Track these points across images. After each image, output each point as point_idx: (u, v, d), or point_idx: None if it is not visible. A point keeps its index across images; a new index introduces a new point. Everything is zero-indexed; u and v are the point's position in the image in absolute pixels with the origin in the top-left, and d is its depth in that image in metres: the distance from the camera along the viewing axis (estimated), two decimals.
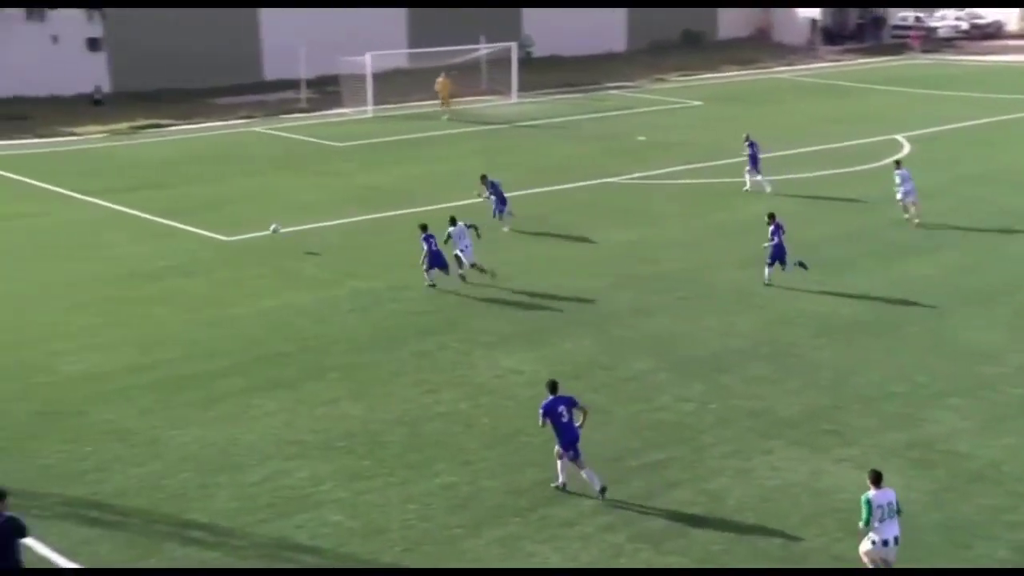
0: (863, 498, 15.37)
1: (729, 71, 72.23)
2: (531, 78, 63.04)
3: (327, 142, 49.12)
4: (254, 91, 61.37)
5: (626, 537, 17.23)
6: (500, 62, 61.34)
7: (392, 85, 57.09)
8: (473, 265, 29.14)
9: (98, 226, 35.14)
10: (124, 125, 52.40)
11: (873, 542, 15.46)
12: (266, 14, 64.69)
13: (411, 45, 65.94)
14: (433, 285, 28.55)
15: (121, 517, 17.76)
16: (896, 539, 15.42)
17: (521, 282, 29.19)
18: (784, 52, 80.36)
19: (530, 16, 74.18)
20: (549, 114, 55.75)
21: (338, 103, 57.61)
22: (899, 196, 34.75)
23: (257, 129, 52.65)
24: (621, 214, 36.27)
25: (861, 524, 15.41)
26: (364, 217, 35.67)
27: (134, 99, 57.52)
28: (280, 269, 30.43)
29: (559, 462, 18.57)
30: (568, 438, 18.32)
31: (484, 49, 61.79)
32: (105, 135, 50.88)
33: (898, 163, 35.98)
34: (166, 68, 59.98)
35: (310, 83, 59.73)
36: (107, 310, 27.35)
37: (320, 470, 19.20)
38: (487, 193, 34.62)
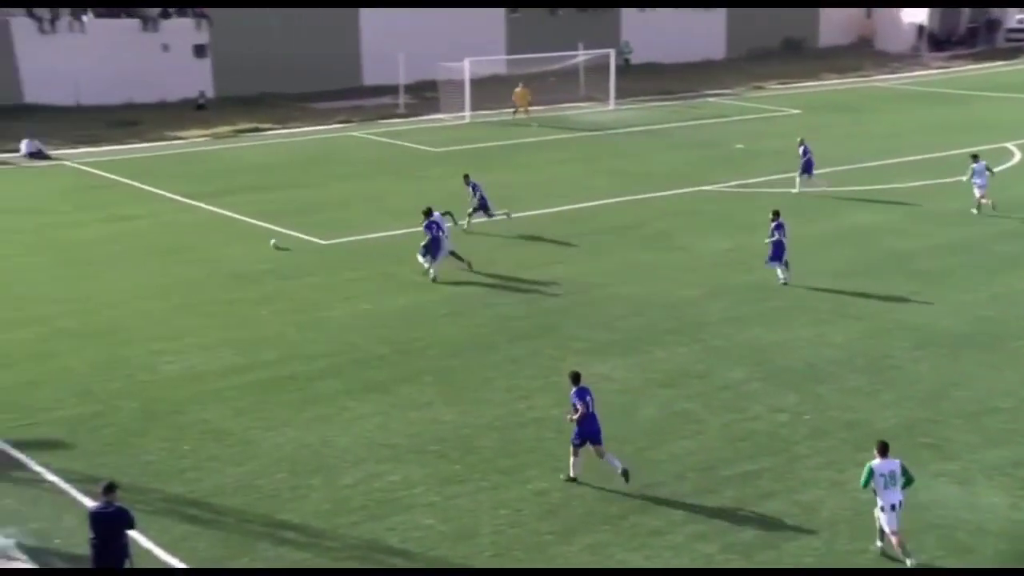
0: (867, 465, 16.72)
1: (829, 79, 71.44)
2: (628, 85, 62.90)
3: (424, 147, 49.45)
4: (353, 96, 62.12)
5: (717, 547, 17.10)
6: (598, 69, 61.30)
7: (490, 91, 57.26)
8: (452, 253, 30.19)
9: (200, 228, 35.76)
10: (226, 129, 53.37)
11: (882, 508, 16.64)
12: (366, 20, 65.43)
13: (510, 52, 66.22)
14: (428, 272, 29.68)
15: (217, 515, 18.05)
16: (896, 505, 16.53)
17: (615, 289, 29.14)
18: (887, 60, 79.32)
19: (629, 23, 74.26)
20: (646, 121, 55.58)
21: (435, 109, 58.00)
22: (976, 192, 35.54)
23: (355, 134, 53.19)
24: (717, 222, 36.01)
25: (862, 486, 16.84)
26: (460, 222, 35.79)
27: (236, 103, 58.63)
28: (376, 273, 30.70)
29: (574, 458, 18.88)
30: (594, 428, 18.78)
31: (582, 56, 61.77)
32: (208, 139, 51.82)
33: (975, 156, 36.36)
34: (267, 73, 61.08)
35: (408, 88, 60.26)
36: (207, 311, 27.81)
37: (412, 474, 19.33)
38: (472, 194, 34.74)
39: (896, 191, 39.86)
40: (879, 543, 16.97)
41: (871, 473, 16.68)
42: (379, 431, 21.00)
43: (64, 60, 56.58)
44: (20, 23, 57.04)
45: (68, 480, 19.01)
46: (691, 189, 40.56)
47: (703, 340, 25.57)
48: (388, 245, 33.43)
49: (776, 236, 28.96)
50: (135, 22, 59.56)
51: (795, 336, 25.79)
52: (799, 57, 78.34)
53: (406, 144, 50.47)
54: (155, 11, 60.10)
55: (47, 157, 47.28)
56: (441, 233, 30.16)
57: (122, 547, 15.10)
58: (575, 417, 18.85)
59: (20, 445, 20.31)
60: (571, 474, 19.04)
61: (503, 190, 39.80)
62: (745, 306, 27.88)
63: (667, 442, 20.48)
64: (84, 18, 58.38)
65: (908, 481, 16.78)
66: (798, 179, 39.57)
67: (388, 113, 58.27)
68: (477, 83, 57.02)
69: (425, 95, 60.34)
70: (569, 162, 45.83)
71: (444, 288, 29.33)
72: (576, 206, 37.51)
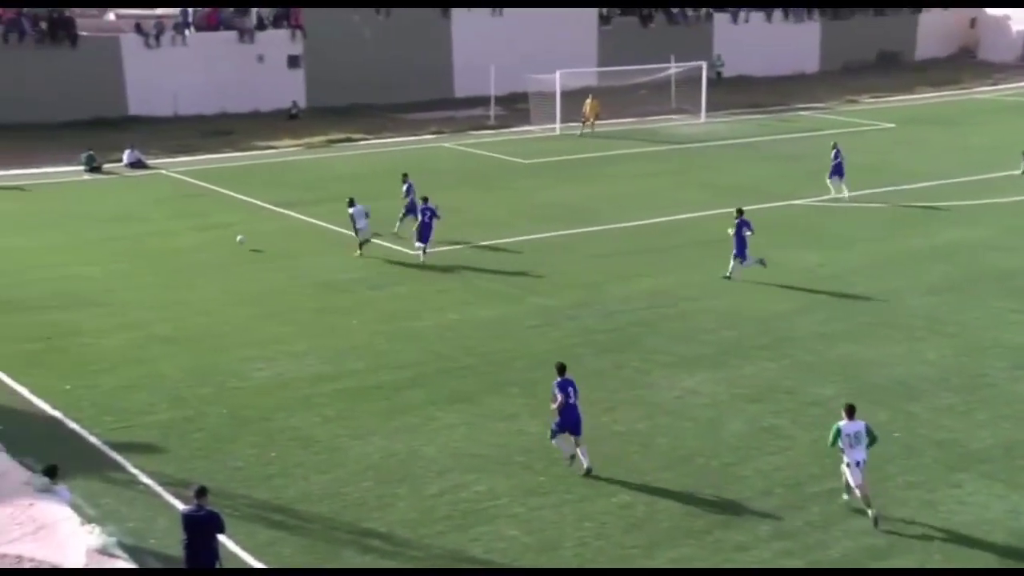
0: (834, 426, 18.36)
1: (925, 92, 70.30)
2: (719, 98, 62.55)
3: (513, 159, 49.60)
4: (444, 107, 62.53)
5: (804, 564, 16.93)
6: (689, 82, 61.06)
7: (581, 103, 57.21)
8: (367, 241, 33.41)
9: (290, 237, 36.19)
10: (318, 139, 54.01)
11: (847, 464, 18.18)
12: (458, 32, 65.89)
13: (601, 64, 66.20)
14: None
15: (303, 522, 18.25)
16: (860, 463, 18.17)
17: (704, 303, 29.00)
18: (990, 71, 77.65)
19: (721, 36, 73.90)
20: (736, 134, 55.20)
21: (526, 120, 58.16)
22: None
23: (446, 145, 53.52)
24: (807, 236, 35.67)
25: (830, 445, 18.47)
26: (548, 234, 35.87)
27: (328, 114, 59.35)
28: (464, 283, 30.87)
29: (555, 441, 19.89)
30: (574, 418, 19.69)
31: (674, 68, 61.58)
32: (299, 149, 52.47)
33: None
34: (359, 84, 61.80)
35: (499, 100, 60.52)
36: (296, 319, 28.15)
37: (497, 484, 19.38)
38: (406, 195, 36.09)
39: (996, 206, 39.17)
40: (845, 496, 18.54)
41: (838, 433, 18.28)
42: (465, 441, 21.09)
43: (165, 73, 57.91)
44: (129, 39, 58.54)
45: (161, 483, 19.38)
46: (782, 203, 40.19)
47: (792, 355, 25.33)
48: (476, 256, 33.58)
49: (739, 233, 30.48)
50: (232, 34, 60.67)
51: (887, 352, 25.45)
52: (895, 70, 77.26)
53: (496, 155, 50.65)
54: (252, 23, 61.13)
55: (146, 166, 48.24)
56: (357, 221, 33.19)
57: (212, 550, 15.45)
58: (555, 406, 19.45)
59: (117, 447, 20.75)
60: (566, 456, 19.65)
61: (592, 202, 39.87)
62: (836, 322, 27.57)
63: (754, 458, 20.32)
64: (187, 32, 59.65)
65: (872, 441, 18.33)
66: (830, 183, 40.48)
67: (479, 124, 58.55)
68: (568, 95, 57.03)
69: (516, 107, 60.56)
70: (659, 175, 45.70)
71: (531, 300, 29.40)
72: (665, 219, 37.33)
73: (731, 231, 30.68)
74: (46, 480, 18.11)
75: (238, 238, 33.97)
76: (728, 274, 30.70)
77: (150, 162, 48.80)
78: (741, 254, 30.56)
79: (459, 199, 41.26)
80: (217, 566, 15.48)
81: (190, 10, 60.36)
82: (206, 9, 60.68)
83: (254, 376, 24.36)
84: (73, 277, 31.77)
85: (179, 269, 32.56)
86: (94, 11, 62.07)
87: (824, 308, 28.60)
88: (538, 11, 66.55)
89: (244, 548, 17.22)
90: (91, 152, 47.71)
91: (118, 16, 62.39)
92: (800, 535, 17.72)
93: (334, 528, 18.09)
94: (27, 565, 14.22)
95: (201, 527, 15.34)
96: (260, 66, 60.89)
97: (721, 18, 74.73)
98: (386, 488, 19.28)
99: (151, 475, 19.63)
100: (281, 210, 39.72)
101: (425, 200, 33.49)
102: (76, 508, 18.02)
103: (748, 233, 30.65)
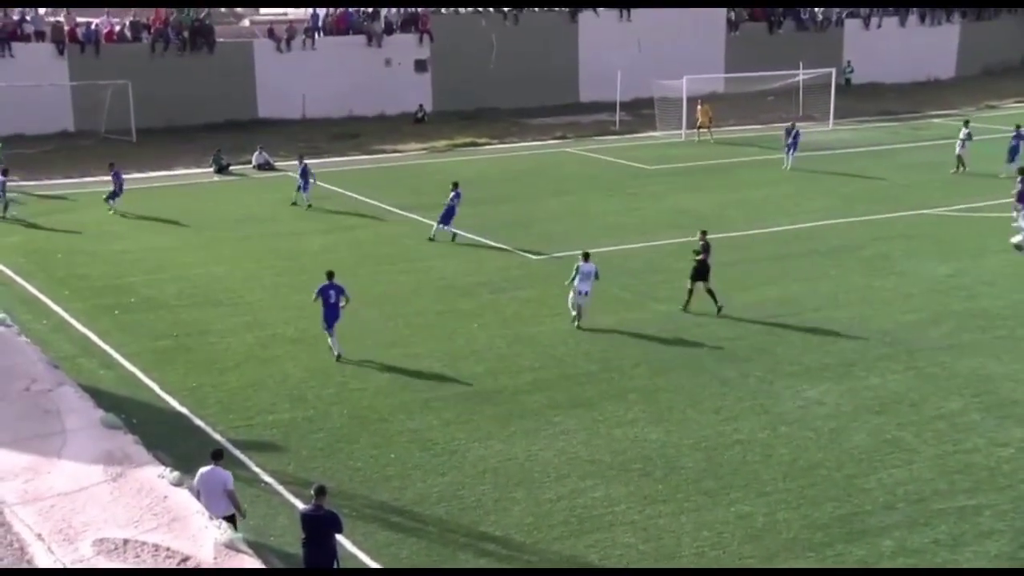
0: (576, 265, 26.77)
1: None
2: (848, 105, 61.60)
3: (637, 164, 49.37)
4: (569, 112, 62.54)
5: None
6: (817, 88, 60.16)
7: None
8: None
9: (414, 240, 36.44)
10: (442, 143, 54.45)
11: (577, 292, 26.54)
12: (584, 36, 65.87)
13: (729, 70, 65.63)
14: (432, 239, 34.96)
15: (420, 524, 18.33)
16: (585, 292, 26.94)
17: (829, 312, 28.48)
18: None
19: (852, 42, 72.70)
20: (865, 142, 54.22)
21: (651, 126, 57.87)
22: None
23: (570, 150, 53.50)
24: (939, 246, 34.82)
25: (567, 283, 26.54)
26: (671, 241, 35.59)
27: (453, 118, 59.84)
28: None
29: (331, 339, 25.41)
30: (332, 316, 25.51)
31: (802, 75, 60.70)
32: (425, 152, 52.93)
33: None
34: (485, 89, 62.12)
35: (624, 105, 60.32)
36: (418, 322, 28.33)
37: (615, 491, 19.25)
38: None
39: None
40: (577, 323, 26.29)
41: (578, 270, 26.98)
42: (583, 447, 20.99)
43: (294, 76, 59.01)
44: (261, 44, 59.82)
45: (282, 481, 19.63)
46: (911, 212, 39.36)
47: (918, 367, 24.73)
48: (598, 261, 33.32)
49: (451, 203, 35.07)
50: (361, 38, 61.49)
51: (1021, 368, 24.67)
52: None
53: (620, 161, 50.48)
54: (380, 27, 61.87)
55: (273, 168, 49.11)
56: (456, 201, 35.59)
57: (331, 549, 15.58)
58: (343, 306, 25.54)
59: (240, 445, 21.08)
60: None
61: (716, 209, 39.45)
62: (966, 334, 26.85)
63: (877, 470, 19.88)
64: (316, 36, 60.67)
65: (597, 277, 26.97)
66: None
67: (603, 130, 58.46)
68: (694, 101, 56.61)
69: (641, 112, 60.31)
70: (785, 182, 45.08)
71: (653, 306, 29.19)
72: (791, 227, 36.77)
73: None
74: (177, 475, 18.50)
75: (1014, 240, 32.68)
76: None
77: (278, 164, 49.67)
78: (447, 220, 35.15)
79: (582, 204, 41.29)
80: (335, 566, 15.62)
81: (320, 15, 61.37)
82: (336, 13, 61.61)
83: (375, 377, 24.56)
84: (202, 277, 32.44)
85: (305, 270, 32.96)
86: (231, 18, 63.65)
87: (953, 319, 27.88)
88: (666, 15, 66.24)
89: (362, 549, 17.35)
90: (219, 153, 48.77)
91: (252, 22, 63.85)
92: (926, 553, 17.25)
93: (451, 531, 18.13)
94: (162, 554, 14.57)
95: (320, 526, 15.49)
96: (387, 70, 61.63)
97: (852, 24, 73.50)
98: (503, 492, 19.28)
99: (272, 473, 19.91)
100: (406, 213, 40.06)
101: (455, 185, 36.18)
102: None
103: None
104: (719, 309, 28.33)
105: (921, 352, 25.66)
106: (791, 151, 48.16)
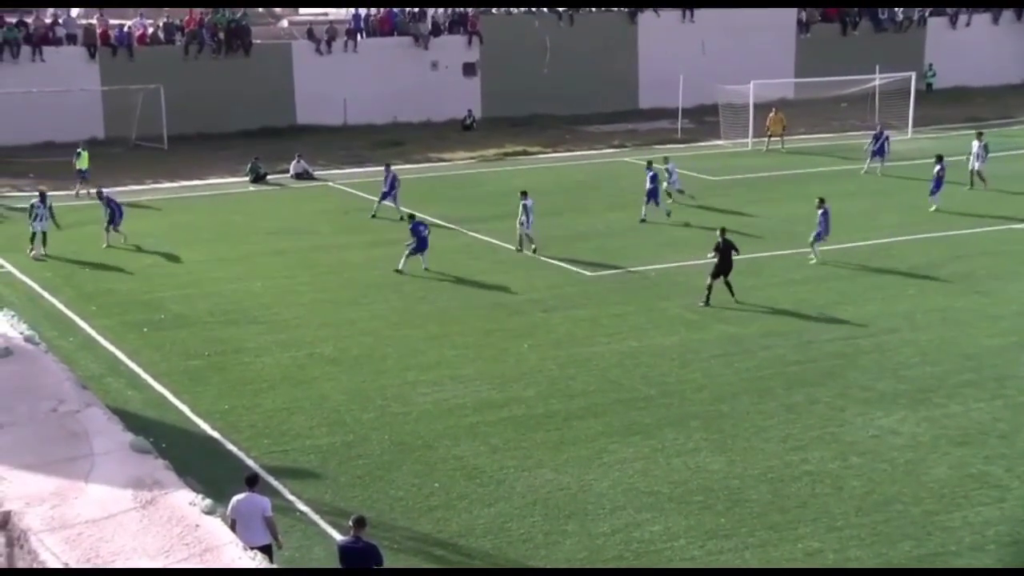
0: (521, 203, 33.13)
1: None
2: (929, 111, 61.19)
3: (701, 175, 49.21)
4: (628, 120, 62.60)
5: None
6: (896, 94, 59.79)
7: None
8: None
9: (462, 255, 36.57)
10: (492, 152, 54.61)
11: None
12: (644, 39, 65.92)
13: (799, 74, 65.41)
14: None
15: (466, 557, 18.40)
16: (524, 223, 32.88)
17: (906, 335, 28.30)
18: None
19: (935, 43, 72.05)
20: (947, 151, 53.56)
21: (715, 134, 57.76)
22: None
23: (628, 159, 53.48)
24: None
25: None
26: (736, 257, 35.41)
27: (503, 125, 59.96)
28: (644, 308, 30.74)
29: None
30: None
31: (878, 79, 60.37)
32: (473, 161, 53.14)
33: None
34: (538, 94, 62.27)
35: (686, 112, 60.29)
36: (465, 342, 28.43)
37: (674, 525, 19.23)
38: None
39: None
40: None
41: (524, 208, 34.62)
42: (640, 477, 20.99)
43: (335, 80, 59.44)
44: (300, 46, 60.39)
45: (318, 511, 19.77)
46: (999, 227, 39.04)
47: (1006, 395, 24.50)
48: (658, 279, 33.46)
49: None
50: (407, 39, 61.89)
51: None
52: None
53: (682, 171, 50.18)
54: (427, 28, 62.24)
55: (312, 177, 49.51)
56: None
57: None
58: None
59: (275, 471, 21.24)
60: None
61: (785, 223, 39.26)
62: None
63: (962, 507, 19.70)
64: (359, 37, 61.13)
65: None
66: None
67: (664, 138, 58.38)
68: (762, 108, 56.48)
69: (705, 120, 60.24)
70: (859, 195, 44.79)
71: (717, 327, 29.14)
72: (866, 243, 36.53)
73: None
74: (210, 502, 18.61)
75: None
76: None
77: (317, 173, 50.07)
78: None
79: (639, 217, 41.19)
80: None
81: (363, 15, 61.80)
82: (379, 13, 62.03)
83: (418, 401, 24.68)
84: (236, 292, 32.76)
85: (346, 286, 33.24)
86: (268, 19, 64.29)
87: None
88: (732, 16, 66.12)
89: None
90: (256, 162, 49.17)
91: (291, 23, 64.41)
92: None
93: (498, 565, 18.19)
94: None
95: (359, 559, 15.59)
96: (434, 74, 61.97)
97: (936, 22, 72.83)
98: (554, 524, 19.30)
99: (308, 502, 20.05)
100: (454, 226, 40.22)
101: (524, 194, 36.43)
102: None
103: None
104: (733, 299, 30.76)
105: (1011, 379, 25.40)
106: (878, 156, 48.82)
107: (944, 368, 26.14)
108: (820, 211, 34.63)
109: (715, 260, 31.01)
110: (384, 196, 41.88)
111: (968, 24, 73.41)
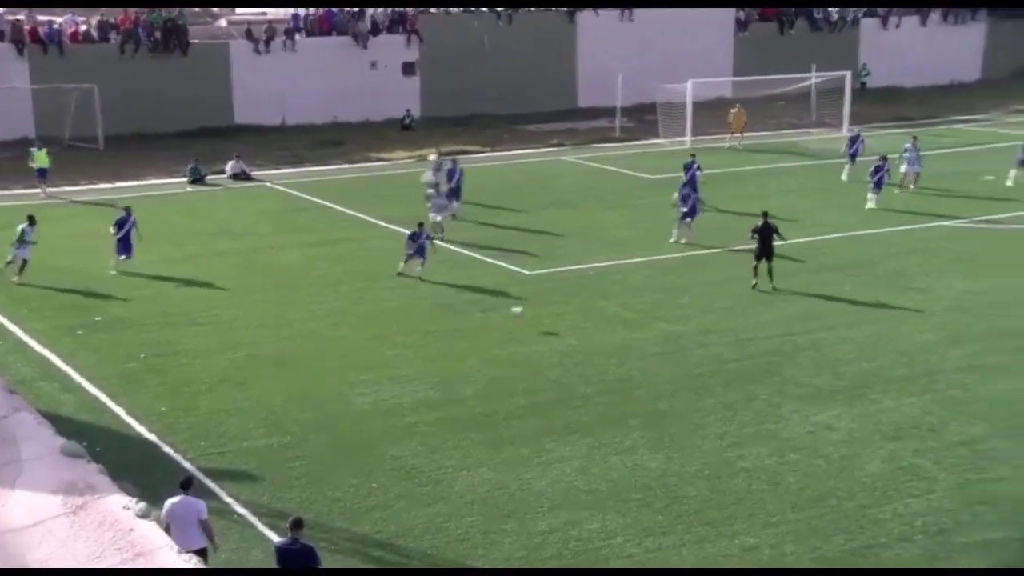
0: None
1: None
2: (863, 110, 61.82)
3: (639, 174, 49.49)
4: (567, 118, 62.72)
5: None
6: (831, 92, 60.38)
7: (713, 115, 56.98)
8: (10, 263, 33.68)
9: (400, 254, 36.41)
10: (431, 151, 54.33)
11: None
12: (584, 38, 66.16)
13: (737, 73, 65.86)
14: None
15: (403, 558, 18.35)
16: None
17: (842, 332, 28.55)
18: None
19: (869, 43, 73.00)
20: (882, 149, 54.15)
21: (654, 133, 58.04)
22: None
23: (567, 158, 53.64)
24: (961, 261, 34.93)
25: None
26: (675, 255, 35.74)
27: (442, 124, 59.96)
28: (583, 307, 30.81)
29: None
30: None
31: (815, 78, 60.92)
32: (413, 161, 52.94)
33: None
34: (477, 93, 62.30)
35: (625, 111, 60.51)
36: (405, 342, 28.36)
37: (612, 523, 19.28)
38: None
39: None
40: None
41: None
42: (579, 475, 21.02)
43: (274, 80, 59.21)
44: (238, 45, 60.01)
45: (256, 513, 19.62)
46: (931, 224, 39.51)
47: (936, 390, 24.79)
48: (597, 277, 33.55)
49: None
50: (345, 39, 61.70)
51: None
52: None
53: (620, 170, 50.61)
54: (366, 28, 62.06)
55: (250, 178, 49.22)
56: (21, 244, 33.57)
57: None
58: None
59: (212, 473, 21.05)
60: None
61: (724, 221, 39.48)
62: (991, 355, 26.90)
63: (892, 500, 19.90)
64: (297, 37, 60.82)
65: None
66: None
67: (603, 137, 58.62)
68: (700, 106, 56.81)
69: (643, 118, 60.52)
70: (797, 192, 45.17)
71: (656, 325, 29.26)
72: (804, 240, 36.79)
73: None
74: (144, 506, 18.43)
75: (515, 310, 30.28)
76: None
77: (256, 173, 49.78)
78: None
79: (579, 216, 41.34)
80: None
81: (302, 14, 61.52)
82: (318, 13, 61.78)
83: (357, 402, 24.59)
84: (175, 294, 32.51)
85: (286, 287, 33.04)
86: (206, 18, 63.81)
87: (976, 340, 27.95)
88: (670, 15, 66.45)
89: None
90: (196, 164, 48.84)
91: (230, 22, 63.97)
92: None
93: (436, 565, 18.15)
94: None
95: (296, 561, 15.50)
96: (373, 73, 61.87)
97: (869, 23, 73.78)
98: (493, 524, 19.30)
99: (245, 504, 19.91)
100: (394, 227, 40.06)
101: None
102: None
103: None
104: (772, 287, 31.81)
105: (940, 374, 25.72)
106: (853, 161, 47.68)
107: (878, 364, 26.40)
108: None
109: (755, 242, 32.18)
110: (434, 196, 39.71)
111: (898, 26, 74.36)
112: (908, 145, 45.77)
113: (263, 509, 19.74)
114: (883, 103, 66.44)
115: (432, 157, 43.26)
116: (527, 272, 34.17)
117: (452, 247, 36.58)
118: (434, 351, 27.69)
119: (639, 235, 38.68)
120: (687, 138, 56.01)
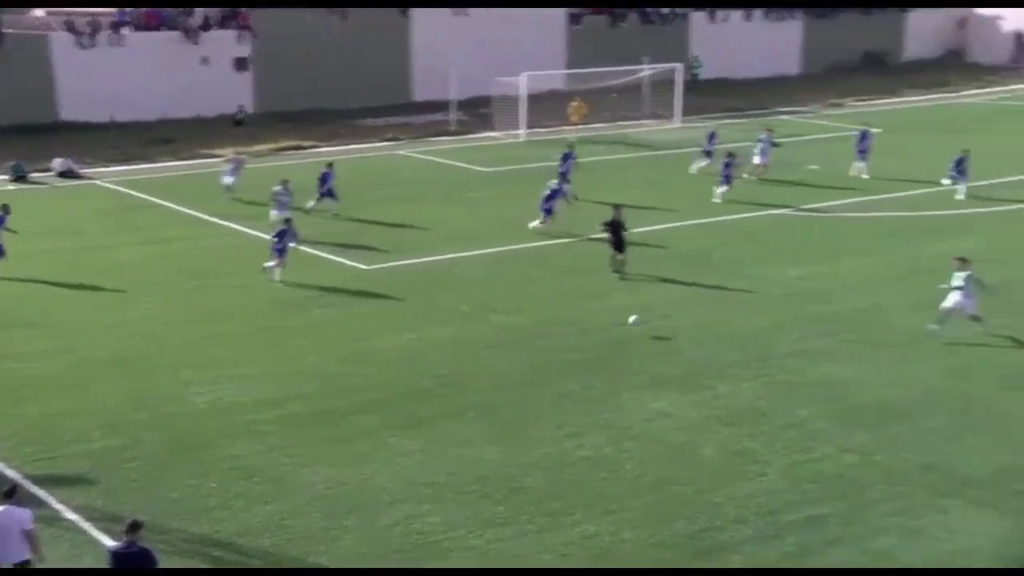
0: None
1: (913, 96, 71.16)
2: (696, 101, 62.91)
3: (475, 167, 49.67)
4: (402, 113, 62.53)
5: None
6: (663, 84, 61.40)
7: (548, 107, 57.46)
8: None
9: (237, 252, 36.02)
10: (265, 147, 53.82)
11: None
12: (418, 33, 66.05)
13: (570, 66, 66.48)
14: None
15: (243, 557, 18.17)
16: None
17: (677, 320, 29.10)
18: (980, 72, 78.99)
19: (698, 36, 74.46)
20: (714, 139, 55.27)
21: (489, 126, 58.29)
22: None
23: (403, 152, 53.54)
24: (789, 249, 35.91)
25: None
26: (513, 247, 35.95)
27: (276, 120, 59.15)
28: (421, 301, 30.84)
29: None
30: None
31: (647, 70, 61.87)
32: (245, 157, 52.14)
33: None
34: (311, 88, 61.74)
35: (461, 105, 60.64)
36: (243, 340, 28.05)
37: (453, 515, 19.36)
38: None
39: (987, 216, 39.62)
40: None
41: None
42: (419, 469, 21.06)
43: (101, 75, 57.53)
44: (59, 38, 58.22)
45: (89, 518, 19.19)
46: (761, 213, 40.48)
47: (769, 375, 25.48)
48: (434, 271, 33.61)
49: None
50: (175, 34, 60.50)
51: (870, 372, 25.64)
52: (882, 72, 78.16)
53: (456, 163, 50.72)
54: (196, 22, 61.00)
55: (78, 176, 48.01)
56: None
57: None
58: None
59: (39, 480, 20.49)
60: None
61: (560, 213, 39.78)
62: (817, 339, 27.75)
63: (727, 484, 20.41)
64: (124, 31, 59.43)
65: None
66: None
67: (438, 130, 58.63)
68: (534, 99, 57.21)
69: (478, 111, 60.70)
70: (631, 184, 45.81)
71: (494, 318, 29.44)
72: (638, 230, 37.33)
73: None
74: None
75: (631, 319, 28.70)
76: None
77: (84, 171, 48.57)
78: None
79: (416, 210, 41.31)
80: None
81: (128, 8, 60.09)
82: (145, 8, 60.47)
83: (194, 401, 24.23)
84: (2, 296, 31.54)
85: (119, 287, 32.32)
86: (20, 8, 61.55)
87: (804, 325, 28.77)
88: (504, 10, 66.71)
89: None
90: (18, 162, 47.41)
91: (48, 13, 61.95)
92: (775, 566, 17.77)
93: (277, 563, 18.01)
94: None
95: (132, 565, 15.21)
96: (204, 69, 60.72)
97: (698, 17, 75.32)
98: (334, 520, 19.22)
99: (77, 509, 19.44)
100: (227, 223, 39.57)
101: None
102: None
103: None
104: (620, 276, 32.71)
105: (772, 359, 26.44)
106: (710, 157, 47.09)
107: (713, 351, 26.99)
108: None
109: (608, 236, 33.20)
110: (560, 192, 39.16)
111: (726, 20, 76.10)
112: (763, 136, 46.72)
113: (97, 514, 19.32)
114: (714, 95, 67.71)
115: (228, 158, 42.99)
116: (365, 267, 34.06)
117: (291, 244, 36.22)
118: (273, 349, 27.45)
119: (477, 228, 38.83)
120: (522, 131, 56.40)
